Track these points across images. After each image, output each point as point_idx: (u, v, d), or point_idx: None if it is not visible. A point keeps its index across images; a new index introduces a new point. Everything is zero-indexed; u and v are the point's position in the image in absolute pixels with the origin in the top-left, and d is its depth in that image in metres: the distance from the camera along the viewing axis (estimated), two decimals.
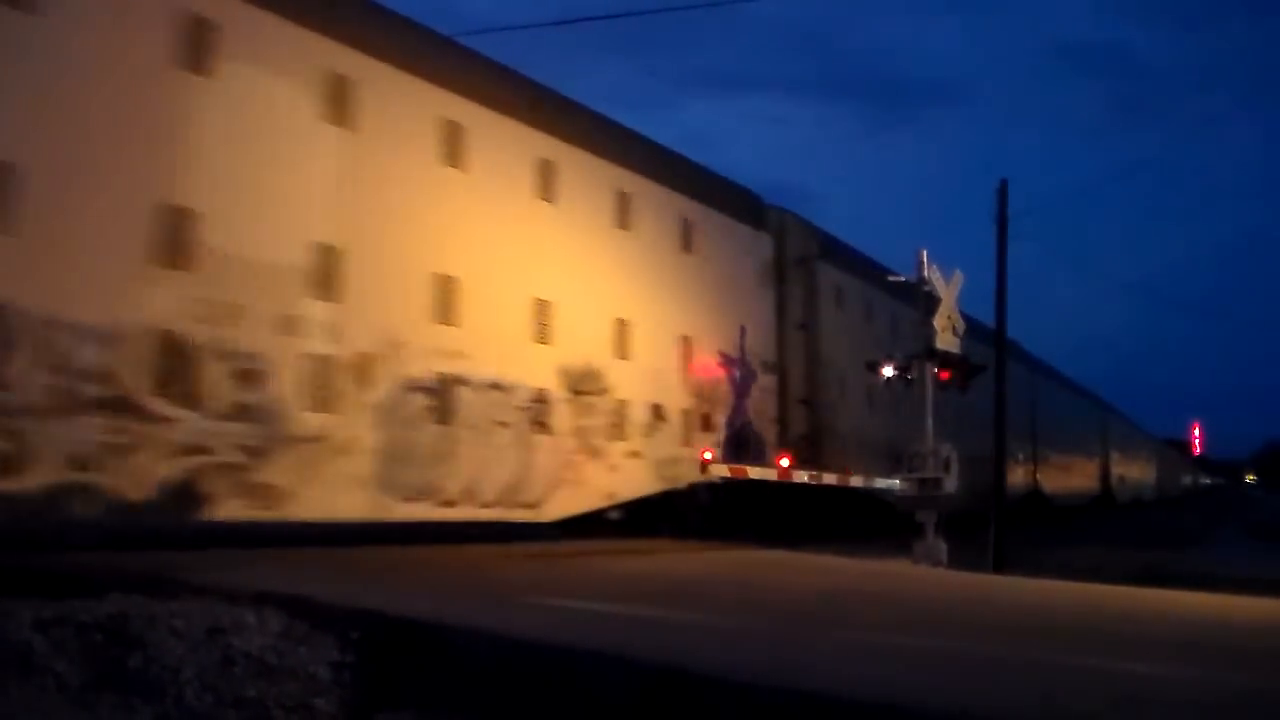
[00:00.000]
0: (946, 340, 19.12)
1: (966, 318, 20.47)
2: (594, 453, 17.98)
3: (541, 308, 17.18)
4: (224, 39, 13.00)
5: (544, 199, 17.41)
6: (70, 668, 6.53)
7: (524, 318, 16.93)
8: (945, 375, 19.07)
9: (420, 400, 15.02)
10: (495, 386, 16.20)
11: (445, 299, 15.54)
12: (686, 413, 20.48)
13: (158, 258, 12.23)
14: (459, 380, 15.59)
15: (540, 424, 16.96)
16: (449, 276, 15.61)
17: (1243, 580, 16.71)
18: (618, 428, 18.58)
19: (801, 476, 21.70)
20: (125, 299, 11.88)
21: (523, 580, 11.63)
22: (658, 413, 19.63)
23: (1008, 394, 22.58)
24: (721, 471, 20.62)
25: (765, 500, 22.76)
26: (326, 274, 13.98)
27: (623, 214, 19.10)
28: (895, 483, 20.22)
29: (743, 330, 22.75)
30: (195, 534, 12.47)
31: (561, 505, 17.26)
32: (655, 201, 19.93)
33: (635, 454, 18.94)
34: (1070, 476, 52.82)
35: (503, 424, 16.28)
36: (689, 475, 20.42)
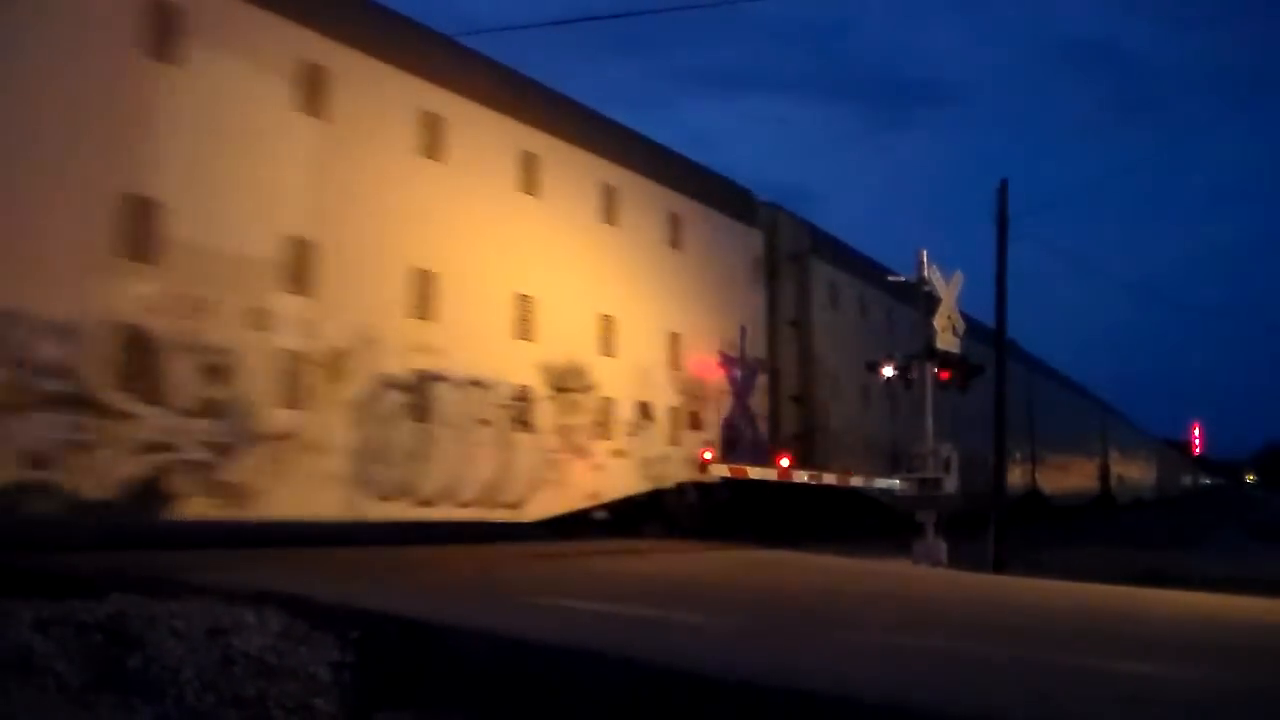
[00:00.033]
0: (946, 340, 19.15)
1: (966, 317, 20.35)
2: (578, 451, 17.62)
3: (524, 303, 16.83)
4: (192, 26, 12.63)
5: (527, 192, 17.06)
6: (70, 668, 6.51)
7: (505, 313, 16.57)
8: (945, 375, 19.02)
9: (396, 397, 14.67)
10: (475, 383, 15.85)
11: (423, 294, 15.20)
12: (674, 411, 20.13)
13: (122, 250, 11.89)
14: (437, 377, 15.24)
15: (522, 422, 16.61)
16: (427, 271, 15.26)
17: (1243, 580, 16.85)
18: (603, 426, 18.23)
19: (801, 476, 21.77)
20: (87, 292, 11.53)
21: (522, 580, 11.58)
22: (644, 411, 19.28)
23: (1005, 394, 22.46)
24: (721, 471, 20.64)
25: (757, 500, 22.49)
26: (299, 267, 13.63)
27: (608, 208, 18.75)
28: (895, 482, 20.27)
29: (743, 330, 22.43)
30: (160, 533, 12.18)
31: (544, 505, 16.92)
32: (642, 196, 19.58)
33: (621, 453, 18.58)
34: (1069, 477, 52.49)
35: (483, 422, 15.93)
36: (677, 474, 20.12)
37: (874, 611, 10.84)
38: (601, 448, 18.15)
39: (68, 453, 11.14)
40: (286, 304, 13.44)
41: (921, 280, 19.31)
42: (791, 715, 5.68)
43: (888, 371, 19.51)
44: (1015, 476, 37.19)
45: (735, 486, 21.71)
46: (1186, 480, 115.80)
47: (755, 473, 21.16)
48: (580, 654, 6.71)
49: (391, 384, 14.60)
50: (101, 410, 11.47)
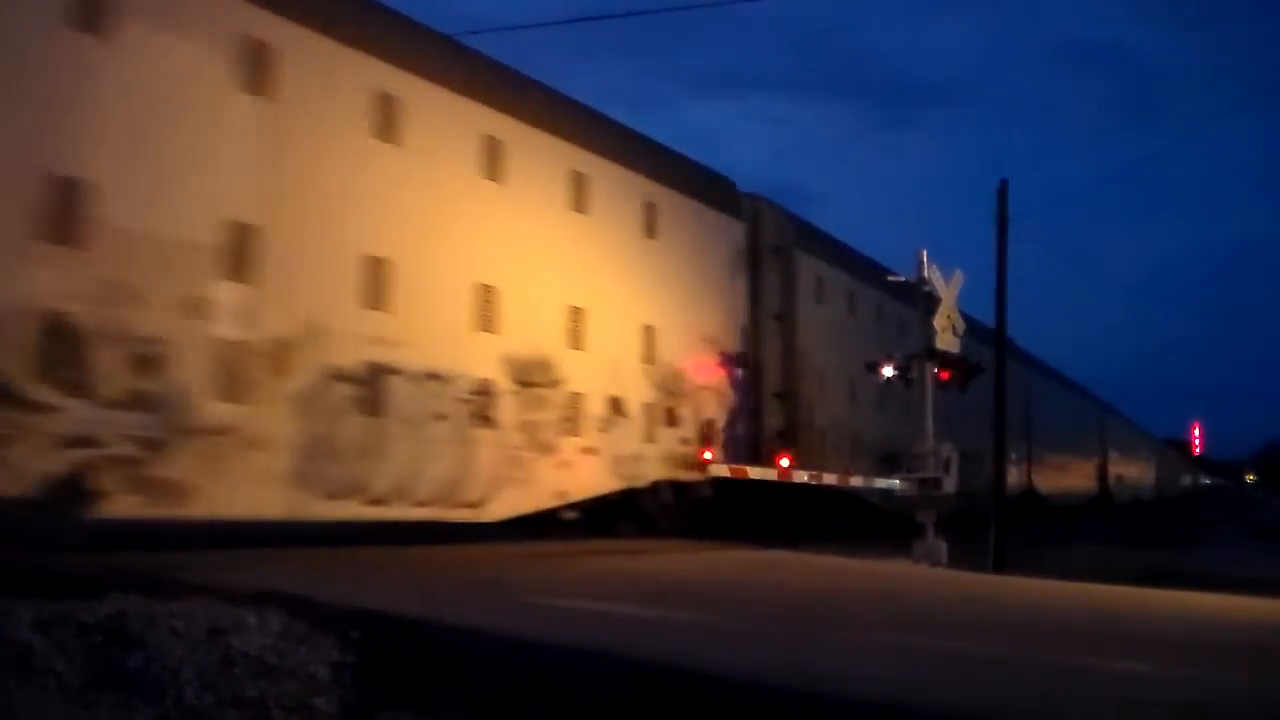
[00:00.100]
0: (946, 340, 19.06)
1: (966, 317, 20.09)
2: (544, 448, 16.92)
3: (486, 293, 16.13)
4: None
5: (489, 178, 16.35)
6: (70, 668, 6.51)
7: (466, 304, 15.87)
8: (945, 375, 18.98)
9: (346, 390, 13.97)
10: (432, 376, 15.16)
11: (376, 282, 14.51)
12: (649, 407, 19.43)
13: (43, 233, 11.22)
14: (390, 369, 14.55)
15: (483, 417, 15.91)
16: (381, 258, 14.57)
17: (1243, 580, 16.87)
18: (571, 422, 17.53)
19: (801, 476, 21.50)
20: (4, 278, 10.87)
21: (521, 580, 11.55)
22: (617, 406, 18.59)
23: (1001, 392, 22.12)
24: (721, 472, 20.30)
25: (742, 499, 21.87)
26: (241, 253, 12.95)
27: (578, 195, 18.03)
28: (895, 483, 19.96)
29: (723, 324, 21.76)
30: (81, 533, 11.53)
31: (507, 504, 16.23)
32: (615, 183, 18.86)
33: (591, 450, 17.88)
34: (1066, 476, 51.86)
35: (440, 417, 15.23)
36: (652, 473, 19.46)
37: (874, 611, 10.84)
38: (570, 445, 17.45)
39: None
40: (226, 291, 12.77)
41: (921, 280, 19.20)
42: (792, 715, 5.68)
43: (888, 371, 19.34)
44: (1011, 476, 36.50)
45: (718, 485, 21.10)
46: (1186, 480, 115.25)
47: (755, 473, 20.66)
48: (580, 654, 6.76)
49: (340, 376, 13.92)
50: (18, 403, 10.80)
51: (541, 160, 17.28)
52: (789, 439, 23.69)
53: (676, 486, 20.16)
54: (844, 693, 5.92)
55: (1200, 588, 15.20)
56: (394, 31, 15.32)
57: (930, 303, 19.07)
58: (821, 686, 6.03)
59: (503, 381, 16.27)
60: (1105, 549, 23.95)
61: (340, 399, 13.90)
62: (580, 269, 18.00)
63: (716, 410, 21.41)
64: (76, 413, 11.25)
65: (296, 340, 13.43)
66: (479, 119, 16.20)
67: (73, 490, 11.18)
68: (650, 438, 19.37)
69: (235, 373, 12.75)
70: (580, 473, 17.62)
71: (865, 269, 29.10)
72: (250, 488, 12.77)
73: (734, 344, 22.20)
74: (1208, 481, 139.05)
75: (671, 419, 20.00)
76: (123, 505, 11.60)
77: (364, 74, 14.59)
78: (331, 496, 13.68)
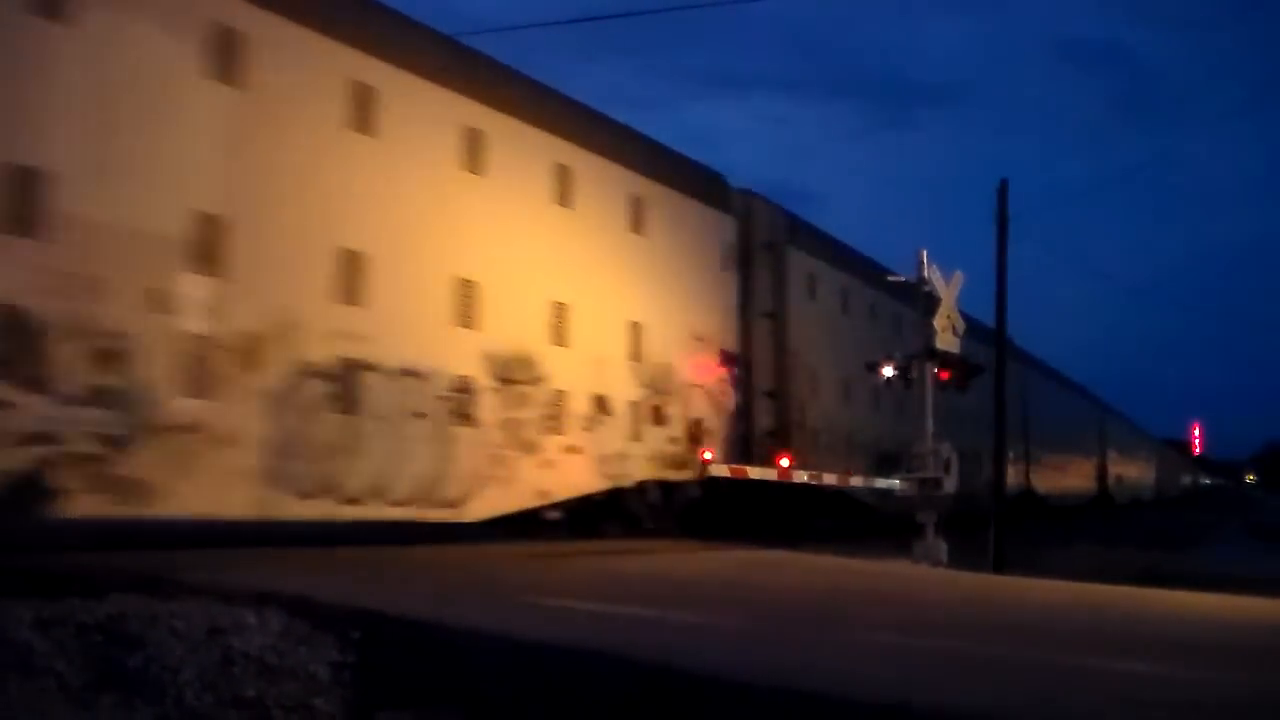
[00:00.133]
0: (946, 340, 19.05)
1: (965, 316, 19.95)
2: (526, 447, 16.56)
3: (466, 289, 15.78)
4: None
5: (470, 170, 16.00)
6: (70, 668, 6.49)
7: (445, 299, 15.52)
8: (945, 375, 18.97)
9: (319, 387, 13.63)
10: (409, 373, 14.80)
11: (351, 276, 14.16)
12: (635, 405, 19.07)
13: (1, 224, 10.88)
14: (365, 365, 14.20)
15: (463, 415, 15.56)
16: (355, 252, 14.22)
17: (1243, 580, 16.88)
18: (554, 420, 17.18)
19: (802, 476, 21.34)
20: None
21: (521, 580, 11.54)
22: (602, 404, 18.23)
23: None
24: (721, 472, 20.13)
25: (734, 499, 21.53)
26: (209, 245, 12.61)
27: (562, 189, 17.68)
28: (895, 483, 19.85)
29: (713, 321, 21.42)
30: (44, 532, 11.21)
31: (488, 504, 15.87)
32: (600, 177, 18.51)
33: (574, 449, 17.53)
34: (1065, 476, 51.51)
35: (418, 414, 14.88)
36: (638, 472, 19.12)
37: (875, 611, 10.83)
38: (553, 443, 17.10)
39: None
40: (193, 284, 12.42)
41: (921, 280, 19.13)
42: (792, 715, 5.68)
43: (888, 371, 19.21)
44: (1009, 476, 36.18)
45: (707, 485, 20.76)
46: (1186, 480, 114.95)
47: (756, 473, 20.51)
48: (580, 654, 6.75)
49: (313, 372, 13.57)
50: None
51: (524, 152, 16.92)
52: (780, 438, 23.34)
53: (664, 486, 19.81)
54: (844, 693, 5.93)
55: (1200, 588, 15.17)
56: (370, 19, 14.99)
57: (930, 303, 19.03)
58: (822, 686, 6.04)
59: (483, 378, 15.92)
60: (1105, 549, 23.85)
61: (313, 395, 13.55)
62: (564, 264, 17.65)
63: (706, 409, 21.05)
64: (35, 409, 10.91)
65: (267, 335, 13.08)
66: (459, 110, 15.86)
67: (32, 489, 10.84)
68: (637, 436, 19.02)
69: (203, 368, 12.41)
70: (564, 472, 17.27)
71: (860, 266, 28.75)
72: (219, 486, 12.42)
73: (724, 341, 21.85)
74: (1208, 482, 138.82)
75: (659, 418, 19.65)
76: (85, 504, 11.26)
77: (338, 62, 14.25)
78: (304, 495, 13.33)
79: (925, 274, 19.11)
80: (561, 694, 6.24)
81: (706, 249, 21.44)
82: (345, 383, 13.94)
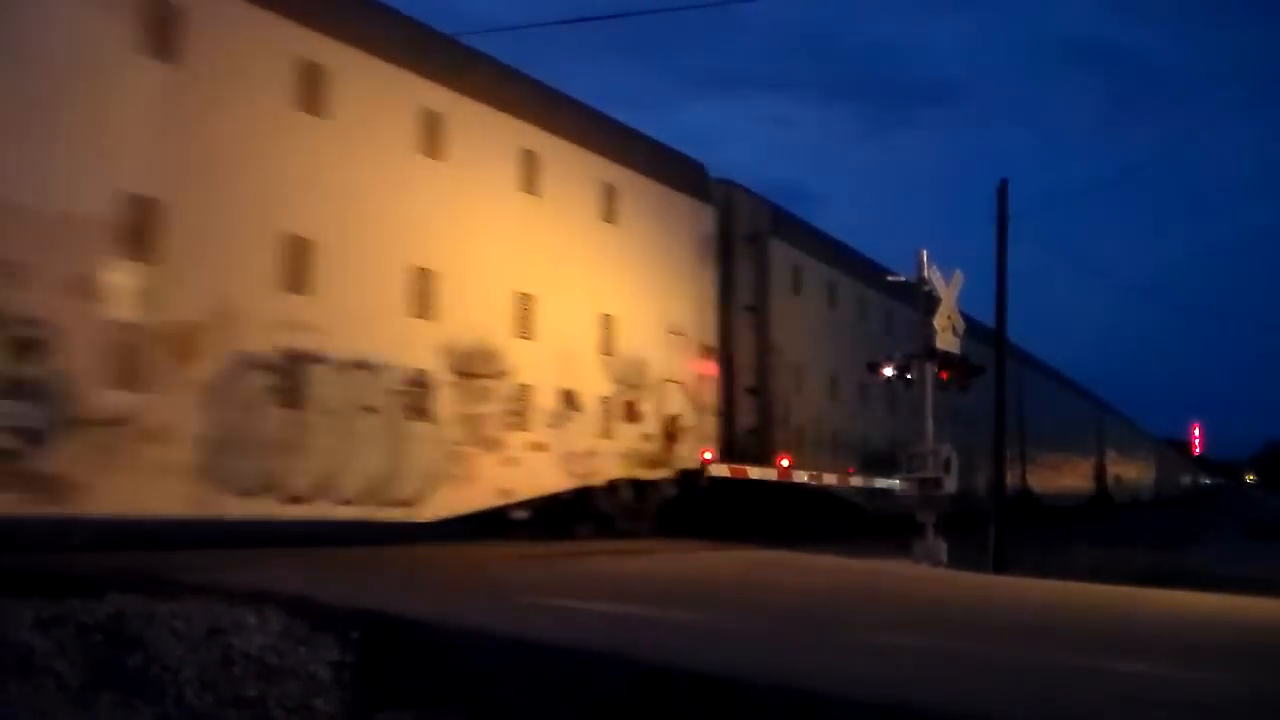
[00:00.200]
0: (946, 340, 18.99)
1: (965, 316, 19.71)
2: (487, 444, 15.88)
3: (422, 278, 15.09)
4: None
5: (428, 155, 15.31)
6: (70, 668, 6.54)
7: (400, 289, 14.84)
8: (945, 375, 18.95)
9: (260, 379, 12.95)
10: (360, 366, 14.12)
11: (296, 264, 13.47)
12: (606, 401, 18.39)
13: None
14: (312, 357, 13.51)
15: (418, 410, 14.87)
16: (301, 238, 13.54)
17: (1243, 580, 16.87)
18: (518, 416, 16.49)
19: (802, 476, 21.19)
20: None
21: (518, 580, 11.53)
22: (570, 400, 17.54)
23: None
24: (722, 471, 19.98)
25: (723, 498, 20.94)
26: (141, 229, 11.93)
27: (528, 175, 16.98)
28: (895, 482, 19.73)
29: (690, 314, 20.75)
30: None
31: (445, 503, 15.18)
32: (570, 163, 17.81)
33: (540, 446, 16.84)
34: (1062, 476, 50.82)
35: (369, 409, 14.20)
36: (609, 470, 18.44)
37: (875, 611, 10.84)
38: (516, 440, 16.41)
39: None
40: (123, 270, 11.75)
41: (921, 280, 19.09)
42: (792, 715, 5.70)
43: (888, 371, 19.20)
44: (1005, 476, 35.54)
45: (684, 484, 20.12)
46: (1186, 480, 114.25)
47: (756, 473, 20.21)
48: (580, 654, 6.75)
49: (254, 364, 12.89)
50: None
51: (486, 137, 16.23)
52: (762, 437, 22.67)
53: (637, 485, 19.12)
54: (845, 692, 5.93)
55: (1200, 588, 15.09)
56: None
57: (930, 303, 18.95)
58: (822, 686, 6.04)
59: (441, 372, 15.23)
60: (1105, 549, 23.74)
61: (254, 388, 12.87)
62: (530, 253, 16.95)
63: (683, 405, 20.35)
64: None
65: (204, 324, 12.40)
66: (417, 90, 15.17)
67: None
68: (608, 433, 18.33)
69: (133, 359, 11.74)
70: (528, 470, 16.58)
71: (849, 261, 28.06)
72: (149, 483, 11.74)
73: (703, 336, 21.14)
74: (1208, 482, 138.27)
75: (632, 414, 18.96)
76: (0, 502, 10.60)
77: (285, 39, 13.56)
78: (244, 493, 12.66)
79: (925, 274, 19.06)
80: (562, 694, 6.28)
81: (684, 240, 20.74)
82: (290, 375, 13.26)
